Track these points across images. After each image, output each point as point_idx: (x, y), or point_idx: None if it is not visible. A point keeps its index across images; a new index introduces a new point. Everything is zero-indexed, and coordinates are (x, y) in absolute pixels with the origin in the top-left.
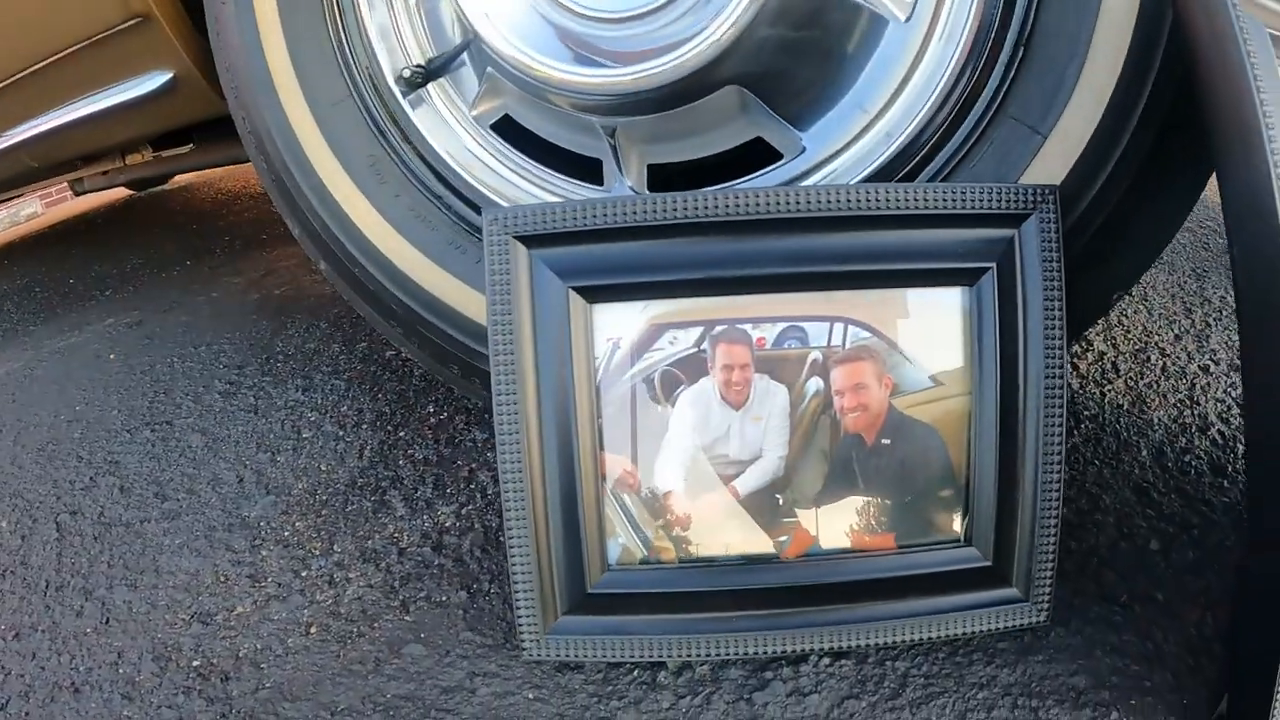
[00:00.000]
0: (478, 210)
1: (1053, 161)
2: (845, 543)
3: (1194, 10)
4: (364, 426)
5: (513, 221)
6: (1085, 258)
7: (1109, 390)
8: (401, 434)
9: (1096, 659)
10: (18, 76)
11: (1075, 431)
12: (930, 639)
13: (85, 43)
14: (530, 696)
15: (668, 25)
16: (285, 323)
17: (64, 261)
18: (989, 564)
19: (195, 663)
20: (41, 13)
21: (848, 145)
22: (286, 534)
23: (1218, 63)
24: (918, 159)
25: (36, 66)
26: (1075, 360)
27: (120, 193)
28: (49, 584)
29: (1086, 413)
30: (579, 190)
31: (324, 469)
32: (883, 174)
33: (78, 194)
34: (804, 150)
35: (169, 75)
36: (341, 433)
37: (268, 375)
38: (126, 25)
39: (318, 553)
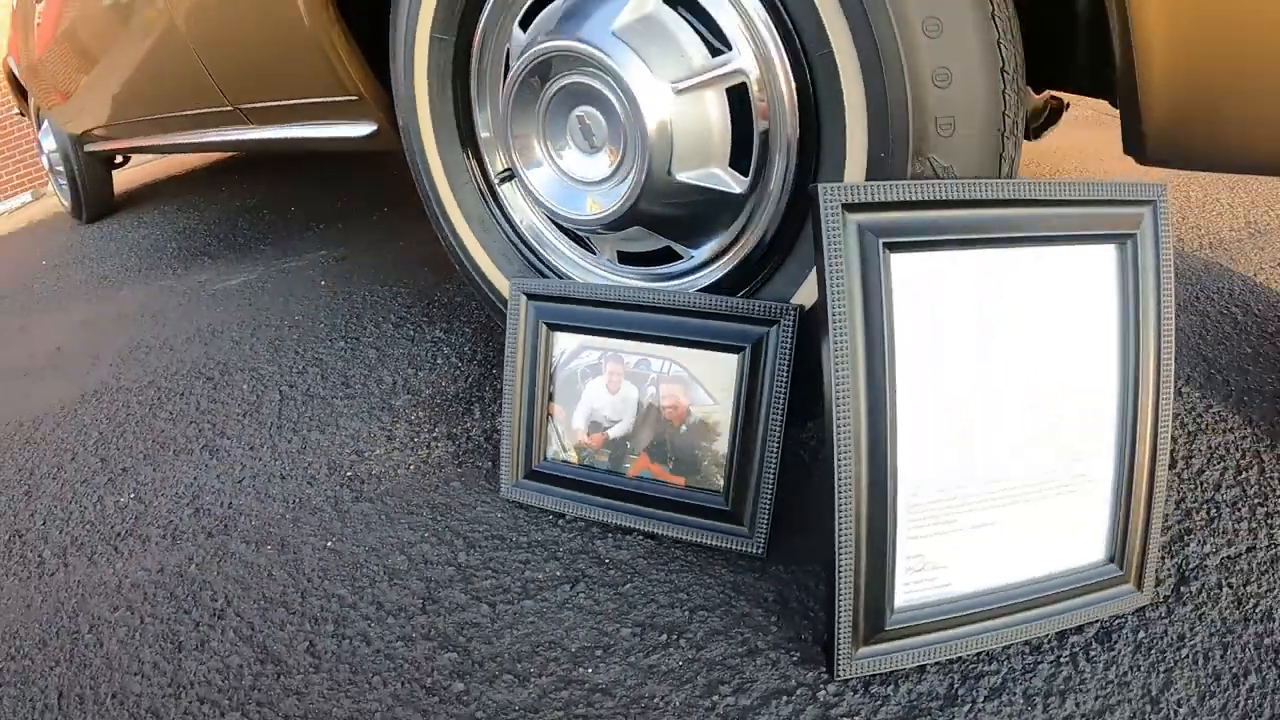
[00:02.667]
0: (539, 258)
1: None
2: (659, 476)
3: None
4: (474, 362)
5: (523, 286)
6: None
7: None
8: (495, 371)
9: (791, 590)
10: (272, 104)
11: None
12: (695, 542)
13: (323, 100)
14: (499, 516)
15: (606, 192)
16: (443, 279)
17: (283, 188)
18: (729, 509)
19: (349, 473)
20: (297, 79)
21: (719, 255)
22: (412, 418)
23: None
24: (752, 268)
25: (289, 102)
26: None
27: None
28: (272, 424)
29: None
30: (586, 256)
31: (443, 384)
32: (737, 271)
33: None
34: (693, 256)
35: (374, 127)
36: (460, 364)
37: (425, 316)
38: (348, 99)
39: (425, 431)
